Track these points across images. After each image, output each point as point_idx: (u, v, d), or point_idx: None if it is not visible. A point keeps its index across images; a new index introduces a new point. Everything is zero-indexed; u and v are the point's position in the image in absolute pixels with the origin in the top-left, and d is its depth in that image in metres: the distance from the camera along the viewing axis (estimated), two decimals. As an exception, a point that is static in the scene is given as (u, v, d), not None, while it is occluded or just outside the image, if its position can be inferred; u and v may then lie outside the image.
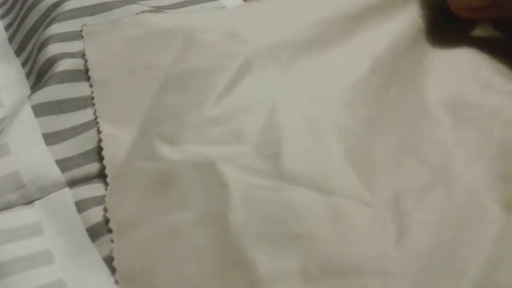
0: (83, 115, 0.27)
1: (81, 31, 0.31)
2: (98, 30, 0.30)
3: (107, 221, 0.23)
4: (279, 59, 0.29)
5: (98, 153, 0.26)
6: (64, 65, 0.29)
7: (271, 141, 0.24)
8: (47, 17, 0.32)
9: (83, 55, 0.30)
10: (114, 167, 0.25)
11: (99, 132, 0.26)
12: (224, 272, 0.20)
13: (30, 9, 0.33)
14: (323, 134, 0.25)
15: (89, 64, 0.29)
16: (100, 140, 0.26)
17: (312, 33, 0.30)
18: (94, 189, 0.25)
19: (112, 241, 0.22)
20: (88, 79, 0.29)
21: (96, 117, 0.27)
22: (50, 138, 0.26)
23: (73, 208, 0.24)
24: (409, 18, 0.31)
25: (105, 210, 0.23)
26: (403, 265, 0.21)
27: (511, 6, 0.28)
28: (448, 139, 0.26)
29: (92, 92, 0.28)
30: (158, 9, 0.34)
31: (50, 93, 0.27)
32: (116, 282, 0.21)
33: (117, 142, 0.26)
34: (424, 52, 0.31)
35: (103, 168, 0.25)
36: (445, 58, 0.31)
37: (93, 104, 0.28)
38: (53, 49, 0.29)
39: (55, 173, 0.25)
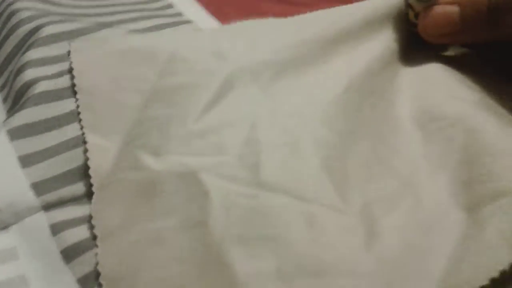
0: (58, 135, 0.28)
1: (68, 48, 0.32)
2: (86, 45, 0.31)
3: (85, 240, 0.24)
4: (260, 78, 0.30)
5: (73, 174, 0.26)
6: (40, 87, 0.29)
7: (251, 152, 0.26)
8: (25, 43, 0.32)
9: (69, 70, 0.30)
10: (99, 177, 0.26)
11: (84, 142, 0.27)
12: (205, 274, 0.21)
13: (7, 35, 0.34)
14: (300, 147, 0.26)
15: (75, 72, 0.30)
16: (85, 150, 0.27)
17: (292, 54, 0.31)
18: (69, 211, 0.25)
19: (96, 246, 0.23)
20: (73, 86, 0.29)
21: (82, 127, 0.28)
22: (25, 161, 0.26)
23: (47, 231, 0.24)
24: (384, 42, 0.33)
25: (90, 217, 0.24)
26: (373, 266, 0.22)
27: (479, 32, 0.29)
28: (416, 152, 0.27)
29: (76, 100, 0.29)
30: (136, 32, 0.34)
31: (25, 115, 0.28)
32: (100, 285, 0.22)
33: (103, 152, 0.27)
34: (396, 72, 0.32)
35: (78, 189, 0.26)
36: (415, 76, 0.32)
37: (79, 113, 0.28)
38: (30, 74, 0.30)
39: (30, 198, 0.25)
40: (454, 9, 0.29)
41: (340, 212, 0.24)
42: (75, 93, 0.29)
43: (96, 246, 0.23)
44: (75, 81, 0.29)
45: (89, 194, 0.26)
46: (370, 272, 0.22)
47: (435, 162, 0.26)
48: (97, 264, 0.22)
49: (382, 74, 0.32)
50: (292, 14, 0.41)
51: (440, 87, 0.30)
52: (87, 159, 0.26)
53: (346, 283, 0.21)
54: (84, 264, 0.23)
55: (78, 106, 0.28)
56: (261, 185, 0.24)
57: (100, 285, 0.22)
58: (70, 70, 0.30)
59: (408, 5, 0.32)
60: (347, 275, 0.21)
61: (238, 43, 0.32)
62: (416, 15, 0.32)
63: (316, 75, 0.31)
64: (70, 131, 0.28)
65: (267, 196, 0.24)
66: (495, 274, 0.20)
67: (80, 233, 0.24)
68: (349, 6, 0.35)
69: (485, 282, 0.20)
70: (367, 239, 0.23)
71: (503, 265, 0.20)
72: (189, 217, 0.23)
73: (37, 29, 0.33)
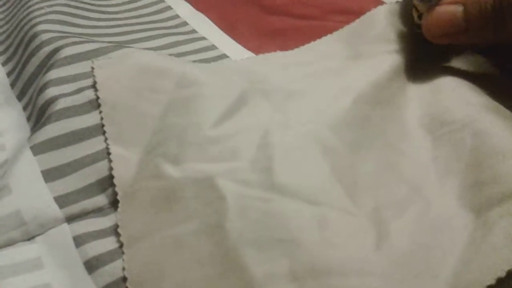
0: (78, 150, 0.29)
1: (89, 66, 0.33)
2: (107, 62, 0.33)
3: (106, 253, 0.25)
4: (274, 96, 0.32)
5: (94, 187, 0.27)
6: (60, 104, 0.30)
7: (264, 157, 0.27)
8: (46, 64, 0.34)
9: (88, 87, 0.31)
10: (123, 186, 0.27)
11: (108, 153, 0.28)
12: (223, 276, 0.22)
13: (30, 56, 0.35)
14: (312, 153, 0.28)
15: (98, 86, 0.31)
16: (110, 161, 0.28)
17: (305, 84, 0.33)
18: (90, 224, 0.26)
19: (123, 253, 0.25)
20: (97, 99, 0.31)
21: (106, 139, 0.29)
22: (49, 175, 0.27)
23: (71, 243, 0.25)
24: (392, 54, 0.33)
25: (116, 225, 0.26)
26: (382, 266, 0.23)
27: (484, 33, 0.29)
28: (425, 157, 0.28)
29: (100, 112, 0.30)
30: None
31: (47, 132, 0.29)
32: None
33: (126, 162, 0.28)
34: (404, 82, 0.33)
35: (99, 201, 0.27)
36: (423, 84, 0.32)
37: (103, 125, 0.30)
38: (50, 92, 0.31)
39: (54, 210, 0.26)
40: (458, 8, 0.29)
41: (351, 215, 0.25)
42: (98, 105, 0.30)
43: (123, 252, 0.24)
44: (99, 94, 0.31)
45: (109, 206, 0.27)
46: (380, 272, 0.22)
47: (444, 166, 0.27)
48: (123, 269, 0.24)
49: (391, 85, 0.32)
50: (302, 28, 0.43)
51: (449, 93, 0.31)
52: (111, 169, 0.28)
53: (357, 282, 0.22)
54: (106, 275, 0.24)
55: (102, 118, 0.30)
56: (275, 189, 0.26)
57: None
58: (91, 86, 0.31)
59: (413, 6, 0.33)
60: (358, 274, 0.22)
61: (257, 69, 0.35)
62: (420, 16, 0.32)
63: (325, 91, 0.32)
64: (90, 146, 0.29)
65: (280, 199, 0.25)
66: (501, 274, 0.20)
67: (101, 246, 0.25)
68: (357, 24, 0.37)
69: (492, 282, 0.20)
70: (377, 240, 0.24)
71: (509, 265, 0.21)
72: (207, 221, 0.24)
73: (56, 50, 0.34)
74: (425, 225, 0.24)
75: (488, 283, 0.20)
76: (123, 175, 0.28)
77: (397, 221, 0.24)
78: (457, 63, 0.34)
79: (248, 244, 0.23)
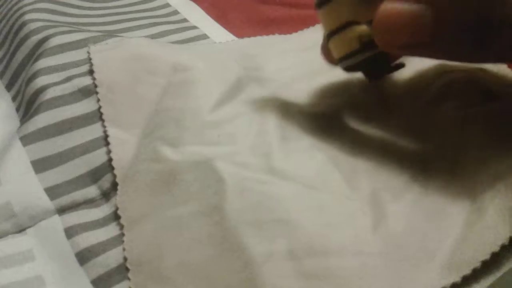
0: (68, 140, 0.28)
1: (88, 51, 0.33)
2: (104, 47, 0.33)
3: (97, 244, 0.25)
4: (270, 84, 0.32)
5: (85, 178, 0.27)
6: (49, 93, 0.30)
7: (262, 143, 0.28)
8: (34, 53, 0.33)
9: (83, 73, 0.31)
10: (122, 169, 0.27)
11: (106, 135, 0.28)
12: (222, 256, 0.23)
13: (18, 46, 0.35)
14: (310, 141, 0.28)
15: (95, 68, 0.31)
16: (107, 144, 0.28)
17: (302, 71, 0.33)
18: (82, 216, 0.26)
19: (123, 234, 0.25)
20: (93, 81, 0.30)
21: (103, 121, 0.29)
22: (39, 166, 0.27)
23: (62, 234, 0.25)
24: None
25: (116, 207, 0.26)
26: (379, 247, 0.23)
27: (460, 50, 0.21)
28: (427, 148, 0.28)
29: (97, 93, 0.30)
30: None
31: (37, 122, 0.28)
32: (127, 269, 0.23)
33: (124, 145, 0.28)
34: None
35: (90, 192, 0.27)
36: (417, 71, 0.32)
37: (100, 107, 0.29)
38: (39, 82, 0.31)
39: (45, 201, 0.26)
40: (424, 12, 0.20)
41: (349, 198, 0.25)
42: (95, 86, 0.30)
43: (123, 234, 0.25)
44: (95, 75, 0.31)
45: (101, 197, 0.27)
46: (376, 252, 0.23)
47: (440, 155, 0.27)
48: (123, 250, 0.24)
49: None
50: (295, 17, 0.42)
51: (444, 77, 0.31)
52: (109, 152, 0.28)
53: (354, 262, 0.22)
54: (98, 266, 0.24)
55: (98, 100, 0.30)
56: (274, 173, 0.26)
57: (127, 269, 0.23)
58: (81, 74, 0.31)
59: (343, 27, 0.25)
60: (354, 254, 0.22)
61: (251, 57, 0.35)
62: (363, 36, 0.24)
63: (323, 77, 0.32)
64: (80, 136, 0.29)
65: (279, 182, 0.25)
66: (496, 249, 0.21)
67: (93, 237, 0.25)
68: None
69: (487, 257, 0.21)
70: (374, 222, 0.24)
71: (502, 240, 0.21)
72: (206, 202, 0.24)
73: (45, 39, 0.34)
74: (421, 209, 0.24)
75: (483, 258, 0.21)
76: (121, 157, 0.27)
77: (394, 205, 0.25)
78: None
79: (247, 225, 0.23)
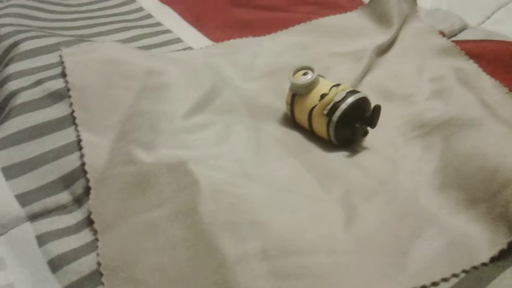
0: (39, 146, 0.28)
1: (60, 54, 0.33)
2: (76, 50, 0.33)
3: (69, 252, 0.24)
4: (243, 93, 0.33)
5: (56, 184, 0.27)
6: (21, 97, 0.30)
7: (237, 149, 0.28)
8: (5, 58, 0.33)
9: (53, 76, 0.31)
10: (95, 173, 0.27)
11: (79, 140, 0.28)
12: (196, 258, 0.23)
13: (-12, 51, 0.34)
14: (284, 149, 0.29)
15: (67, 71, 0.31)
16: (80, 148, 0.28)
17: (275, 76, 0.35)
18: (54, 222, 0.25)
19: (96, 240, 0.24)
20: (66, 84, 0.30)
21: (76, 125, 0.29)
22: (10, 172, 0.27)
23: (34, 242, 0.25)
24: (365, 53, 0.38)
25: (89, 213, 0.25)
26: (351, 245, 0.24)
27: None
28: (395, 155, 0.29)
29: (69, 97, 0.30)
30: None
31: (8, 128, 0.28)
32: (101, 274, 0.23)
33: (97, 149, 0.28)
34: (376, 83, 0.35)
35: (62, 198, 0.26)
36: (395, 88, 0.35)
37: (72, 111, 0.29)
38: (10, 87, 0.30)
39: (15, 209, 0.25)
40: None
41: (321, 200, 0.26)
42: (68, 90, 0.30)
43: (97, 239, 0.24)
44: (68, 78, 0.30)
45: (73, 203, 0.27)
46: (349, 249, 0.23)
47: (412, 166, 0.28)
48: (97, 255, 0.24)
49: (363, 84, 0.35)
50: (269, 19, 0.43)
51: (420, 99, 0.33)
52: (82, 156, 0.27)
53: (326, 259, 0.23)
54: (70, 273, 0.23)
55: (71, 104, 0.29)
56: (247, 176, 0.26)
57: (101, 274, 0.23)
58: (51, 77, 0.31)
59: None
60: (326, 253, 0.23)
61: (223, 61, 0.35)
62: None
63: None
64: (51, 141, 0.28)
65: (252, 185, 0.26)
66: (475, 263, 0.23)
67: (65, 244, 0.24)
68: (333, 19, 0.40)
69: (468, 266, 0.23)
70: (344, 221, 0.25)
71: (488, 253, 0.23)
72: (181, 205, 0.25)
73: (15, 44, 0.33)
74: (392, 210, 0.25)
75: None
76: (95, 161, 0.27)
77: (365, 205, 0.26)
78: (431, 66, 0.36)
79: (221, 226, 0.23)
